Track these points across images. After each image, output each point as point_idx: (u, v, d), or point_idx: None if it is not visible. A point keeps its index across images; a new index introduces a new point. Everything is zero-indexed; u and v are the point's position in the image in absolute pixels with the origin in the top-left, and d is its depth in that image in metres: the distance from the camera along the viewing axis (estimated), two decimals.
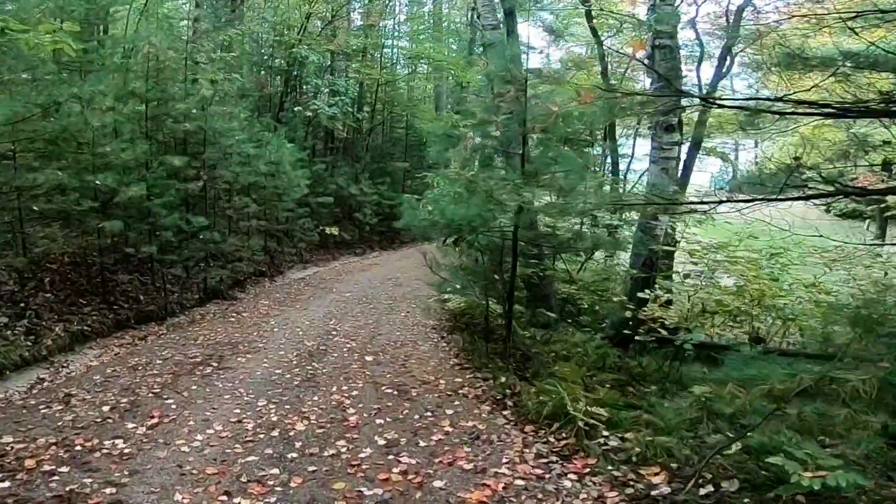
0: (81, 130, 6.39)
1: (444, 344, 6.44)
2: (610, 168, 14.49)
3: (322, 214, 13.27)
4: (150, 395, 4.87)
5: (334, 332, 7.05)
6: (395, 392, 4.93)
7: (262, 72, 15.13)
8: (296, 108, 14.44)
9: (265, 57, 14.96)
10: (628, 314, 5.60)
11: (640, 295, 5.87)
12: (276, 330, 7.23)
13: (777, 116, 3.46)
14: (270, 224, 11.15)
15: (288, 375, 5.40)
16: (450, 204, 4.97)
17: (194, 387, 5.09)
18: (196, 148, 8.56)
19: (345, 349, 6.32)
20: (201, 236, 7.88)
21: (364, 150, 16.67)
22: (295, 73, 14.67)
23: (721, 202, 3.61)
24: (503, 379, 4.86)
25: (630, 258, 6.16)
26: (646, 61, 6.10)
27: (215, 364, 5.79)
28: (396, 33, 18.43)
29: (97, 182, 6.43)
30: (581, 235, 4.69)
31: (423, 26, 20.02)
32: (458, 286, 5.74)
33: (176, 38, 9.03)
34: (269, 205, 10.81)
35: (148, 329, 7.37)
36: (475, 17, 23.53)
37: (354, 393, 4.92)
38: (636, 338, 5.73)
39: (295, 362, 5.84)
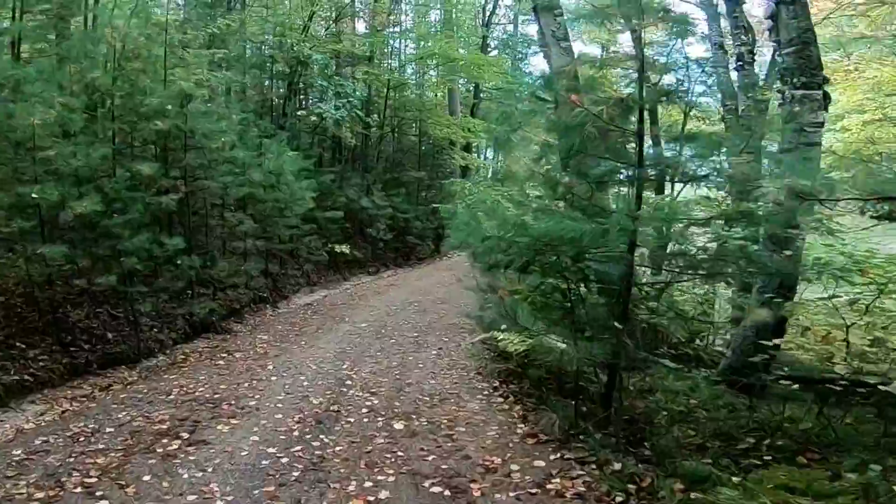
0: (15, 129, 4.84)
1: (500, 399, 4.68)
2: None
3: (331, 231, 11.63)
4: (80, 489, 3.28)
5: (349, 382, 5.34)
6: (447, 491, 3.21)
7: (263, 75, 13.68)
8: (298, 113, 12.93)
9: (266, 61, 13.50)
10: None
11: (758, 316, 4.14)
12: (273, 378, 5.55)
13: None
14: (271, 243, 9.51)
15: (285, 459, 3.71)
16: (528, 216, 3.29)
17: (147, 477, 3.46)
18: (177, 154, 6.99)
19: (364, 409, 4.61)
20: (179, 261, 6.23)
21: (375, 160, 15.10)
22: (298, 75, 13.15)
23: None
24: (616, 465, 3.13)
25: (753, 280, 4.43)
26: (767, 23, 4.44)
27: (186, 435, 4.13)
28: (405, 34, 16.92)
29: (34, 195, 4.83)
30: (749, 257, 3.03)
31: (432, 29, 18.55)
32: (521, 324, 4.04)
33: (155, 25, 7.50)
34: (269, 221, 9.19)
35: (115, 375, 5.79)
36: (487, 17, 22.18)
37: (384, 495, 3.21)
38: (774, 381, 4.01)
39: (296, 434, 4.15)
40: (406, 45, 17.63)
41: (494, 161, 28.56)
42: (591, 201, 3.03)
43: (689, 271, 3.05)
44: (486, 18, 21.23)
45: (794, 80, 4.03)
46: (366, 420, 4.36)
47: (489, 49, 22.07)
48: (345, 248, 11.46)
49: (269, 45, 13.14)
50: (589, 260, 3.14)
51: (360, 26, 17.34)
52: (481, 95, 22.90)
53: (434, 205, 15.59)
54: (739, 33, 7.53)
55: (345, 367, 5.87)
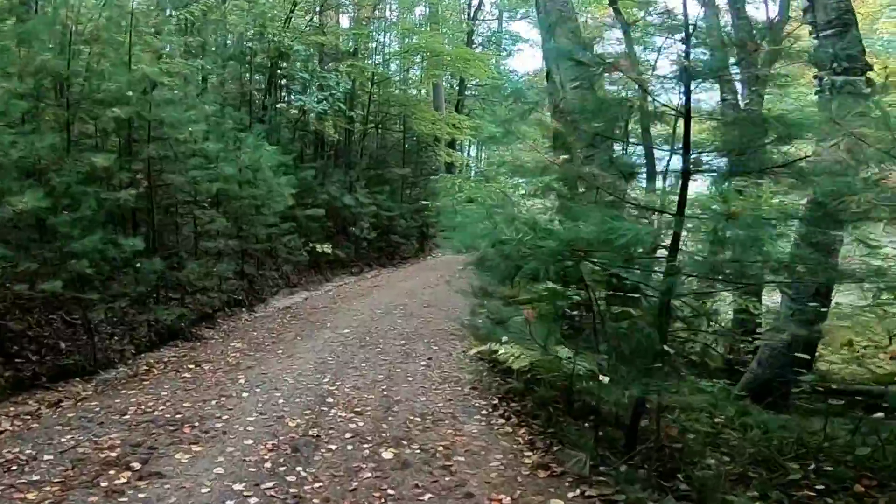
0: None
1: (502, 420, 4.13)
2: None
3: (311, 229, 10.98)
4: None
5: (330, 400, 4.74)
6: None
7: (243, 68, 12.94)
8: (278, 106, 12.24)
9: (246, 52, 12.74)
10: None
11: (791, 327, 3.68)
12: (245, 395, 4.93)
13: None
14: (247, 243, 8.85)
15: (253, 500, 3.12)
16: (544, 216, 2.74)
17: None
18: (139, 146, 6.31)
19: (348, 433, 4.02)
20: (138, 264, 5.56)
21: (359, 156, 14.46)
22: (279, 67, 12.42)
23: None
24: None
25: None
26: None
27: (137, 466, 3.53)
28: (390, 27, 16.28)
29: None
30: (807, 261, 2.52)
31: (417, 23, 17.93)
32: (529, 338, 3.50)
33: (119, 7, 6.80)
34: (245, 219, 8.53)
35: (66, 389, 5.11)
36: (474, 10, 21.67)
37: None
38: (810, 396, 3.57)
39: (268, 465, 3.55)
40: (391, 41, 17.03)
41: (479, 158, 28.17)
42: (623, 197, 2.51)
43: (742, 280, 2.54)
44: (472, 13, 20.71)
45: (834, 65, 3.57)
46: (350, 447, 3.79)
47: (474, 45, 21.53)
48: (326, 248, 10.84)
49: (249, 38, 12.40)
50: (621, 267, 2.62)
51: (345, 22, 16.69)
52: (466, 92, 22.41)
53: (423, 202, 15.04)
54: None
55: (326, 380, 5.28)
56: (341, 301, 9.53)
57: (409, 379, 5.27)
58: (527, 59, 43.97)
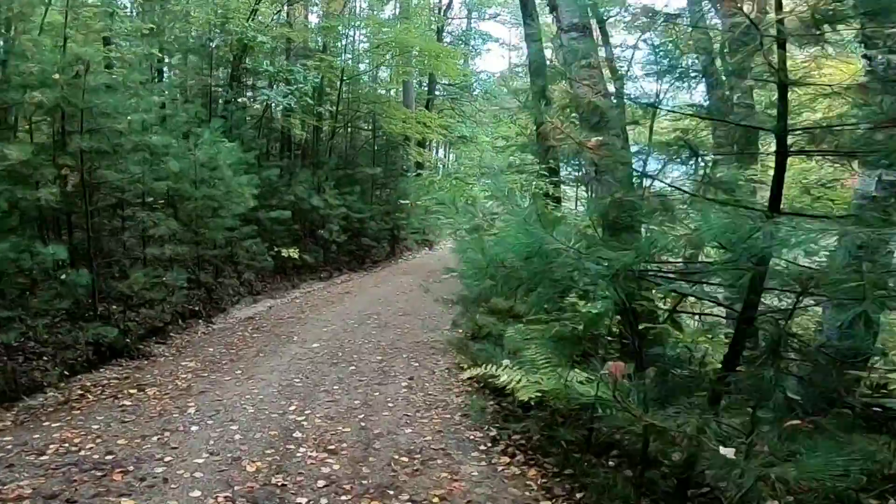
0: None
1: (505, 458, 3.42)
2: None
3: (276, 233, 10.10)
4: None
5: (298, 435, 3.96)
6: None
7: (203, 62, 11.92)
8: (240, 100, 11.28)
9: (207, 44, 11.71)
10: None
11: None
12: (194, 428, 4.11)
13: None
14: (203, 248, 7.94)
15: None
16: None
17: None
18: (72, 139, 5.37)
19: (320, 481, 3.26)
20: (63, 276, 4.65)
21: (327, 155, 13.59)
22: (242, 60, 11.45)
23: None
24: None
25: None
26: None
27: None
28: (360, 21, 15.43)
29: None
30: None
31: (388, 18, 17.15)
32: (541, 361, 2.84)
33: None
34: (201, 222, 7.62)
35: None
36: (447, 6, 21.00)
37: None
38: None
39: None
40: (360, 39, 16.19)
41: (448, 159, 27.54)
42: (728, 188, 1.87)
43: (838, 293, 1.94)
44: (443, 10, 20.07)
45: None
46: (323, 501, 3.03)
47: (444, 43, 20.90)
48: (293, 252, 9.97)
49: (211, 28, 11.38)
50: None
51: (314, 21, 15.77)
52: (436, 91, 21.74)
53: (402, 201, 14.29)
54: None
55: (292, 408, 4.49)
56: (310, 310, 8.69)
57: (390, 405, 4.53)
58: (494, 60, 43.64)
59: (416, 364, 5.64)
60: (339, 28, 14.32)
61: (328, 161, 13.13)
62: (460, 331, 6.24)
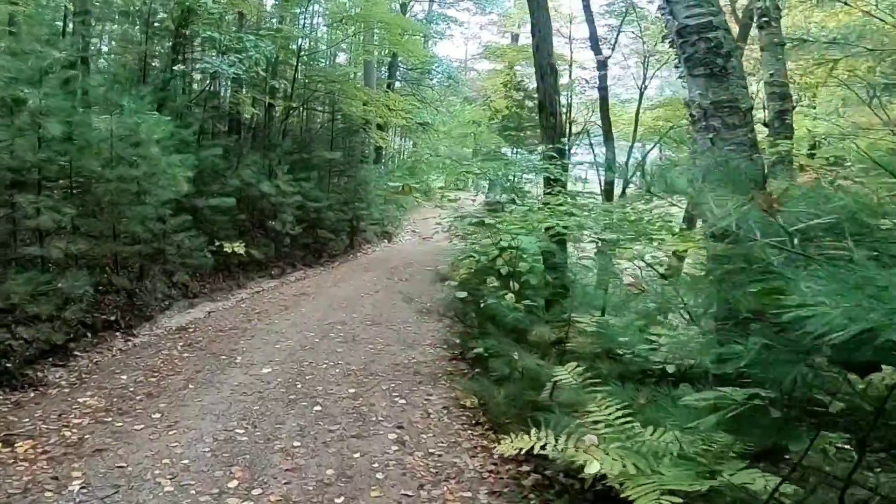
0: None
1: None
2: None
3: (218, 224, 8.36)
4: None
5: None
6: None
7: (136, 26, 9.87)
8: (176, 67, 9.37)
9: (143, 12, 9.66)
10: None
11: None
12: None
13: None
14: (120, 244, 6.19)
15: None
16: None
17: None
18: None
19: None
20: None
21: (280, 136, 11.78)
22: (186, 26, 9.49)
23: None
24: None
25: None
26: None
27: None
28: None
29: None
30: None
31: None
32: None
33: None
34: (116, 210, 5.87)
35: None
36: None
37: None
38: None
39: None
40: (320, 13, 14.34)
41: (403, 147, 25.97)
42: None
43: None
44: None
45: None
46: None
47: (403, 34, 19.28)
48: (238, 247, 8.27)
49: None
50: None
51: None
52: (397, 76, 20.11)
53: (391, 183, 12.69)
54: None
55: (232, 485, 3.00)
56: (258, 317, 7.06)
57: (379, 476, 3.10)
58: (451, 48, 42.18)
59: (403, 401, 4.22)
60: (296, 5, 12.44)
61: (281, 143, 11.34)
62: (455, 353, 4.88)
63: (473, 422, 3.72)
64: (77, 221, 5.37)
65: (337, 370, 4.93)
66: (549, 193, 5.14)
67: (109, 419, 4.00)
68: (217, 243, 8.35)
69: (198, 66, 9.91)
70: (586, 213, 3.17)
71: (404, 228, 19.20)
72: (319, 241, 12.21)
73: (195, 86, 10.82)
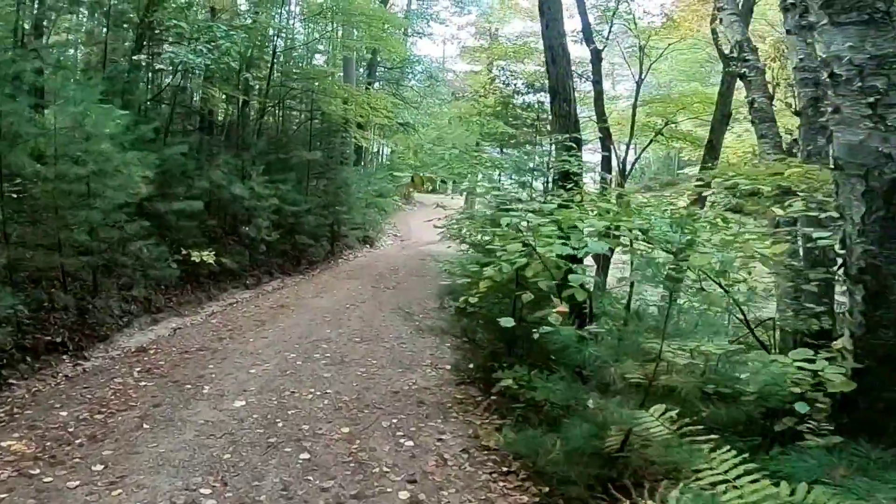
0: None
1: None
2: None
3: (185, 230, 7.44)
4: None
5: None
6: None
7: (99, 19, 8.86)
8: (136, 57, 8.41)
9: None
10: None
11: None
12: None
13: None
14: (66, 254, 5.24)
15: None
16: None
17: None
18: None
19: None
20: None
21: (255, 135, 10.85)
22: (152, 14, 8.51)
23: None
24: None
25: None
26: None
27: None
28: None
29: None
30: None
31: None
32: None
33: None
34: (59, 216, 4.93)
35: None
36: None
37: None
38: None
39: None
40: (296, 11, 13.45)
41: (381, 148, 25.10)
42: None
43: None
44: None
45: None
46: None
47: (387, 28, 18.52)
48: (208, 256, 7.35)
49: None
50: None
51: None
52: (377, 74, 19.30)
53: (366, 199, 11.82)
54: None
55: None
56: (230, 335, 6.16)
57: None
58: (429, 48, 41.43)
59: (410, 442, 3.41)
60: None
61: (256, 143, 10.41)
62: (463, 377, 4.11)
63: (504, 469, 2.95)
64: (8, 229, 4.43)
65: (325, 402, 4.10)
66: (563, 188, 4.44)
67: (37, 471, 3.12)
68: (184, 252, 7.42)
69: (163, 55, 8.95)
70: (650, 211, 2.46)
71: (386, 233, 18.36)
72: (298, 248, 11.31)
73: (167, 81, 9.85)
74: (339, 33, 13.51)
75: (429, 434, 3.49)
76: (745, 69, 5.76)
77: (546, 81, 14.02)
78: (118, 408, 4.16)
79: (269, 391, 4.35)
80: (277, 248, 10.22)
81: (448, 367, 4.79)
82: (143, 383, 4.70)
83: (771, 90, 6.57)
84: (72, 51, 9.49)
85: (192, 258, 7.24)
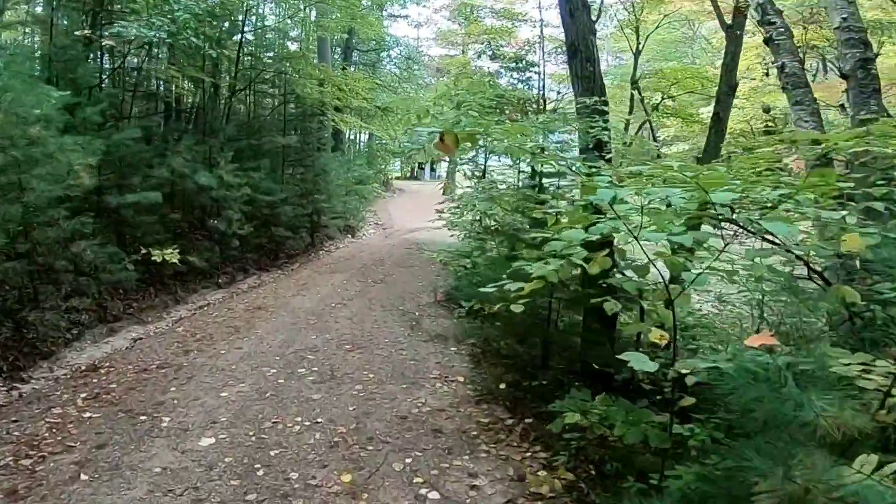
0: None
1: None
2: None
3: (143, 227, 6.44)
4: None
5: None
6: None
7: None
8: (78, 33, 7.26)
9: None
10: None
11: None
12: None
13: None
14: None
15: None
16: None
17: None
18: None
19: None
20: None
21: (224, 119, 9.76)
22: None
23: None
24: None
25: None
26: None
27: None
28: None
29: None
30: None
31: None
32: None
33: None
34: None
35: None
36: None
37: None
38: None
39: None
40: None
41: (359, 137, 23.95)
42: None
43: None
44: None
45: None
46: None
47: (362, 7, 17.35)
48: (171, 254, 6.36)
49: None
50: None
51: None
52: (353, 57, 18.16)
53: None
54: None
55: None
56: (198, 347, 5.23)
57: None
58: (404, 28, 39.95)
59: (434, 493, 2.56)
60: None
61: (224, 128, 9.34)
62: (481, 391, 3.30)
63: None
64: None
65: (317, 435, 3.25)
66: (601, 157, 3.65)
67: None
68: (144, 250, 6.43)
69: (112, 30, 7.80)
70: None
71: (367, 221, 17.40)
72: (275, 241, 10.33)
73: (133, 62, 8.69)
74: (313, 15, 12.38)
75: (457, 479, 2.69)
76: (771, 32, 5.07)
77: (534, 56, 13.15)
78: (52, 449, 3.26)
79: (244, 422, 3.48)
80: (252, 241, 9.24)
81: (461, 378, 3.99)
82: (89, 414, 3.78)
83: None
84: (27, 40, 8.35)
85: (154, 257, 6.25)
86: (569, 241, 1.99)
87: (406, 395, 3.78)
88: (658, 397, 2.50)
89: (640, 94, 9.28)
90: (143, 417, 3.66)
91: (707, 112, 8.47)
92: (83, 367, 4.88)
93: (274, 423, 3.44)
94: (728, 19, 7.80)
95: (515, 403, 3.28)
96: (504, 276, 2.17)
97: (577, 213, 2.07)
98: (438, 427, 3.25)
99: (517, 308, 2.06)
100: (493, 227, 4.10)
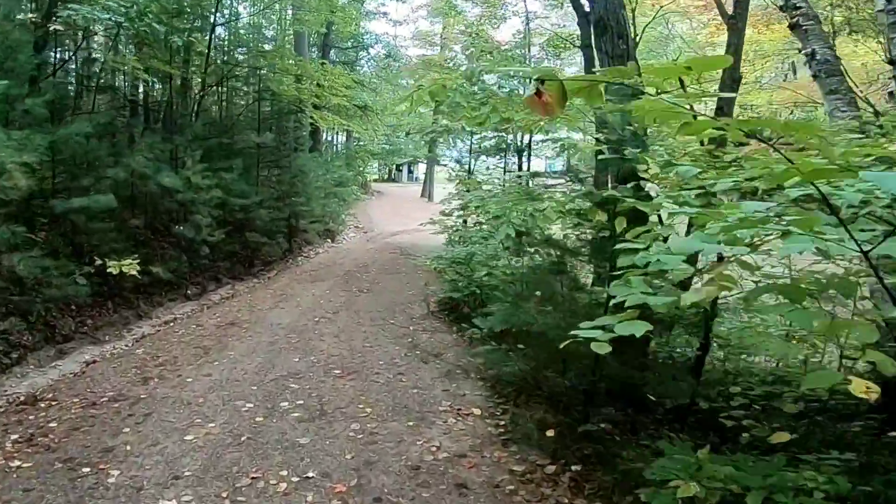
0: None
1: None
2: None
3: (98, 234, 5.60)
4: None
5: None
6: None
7: None
8: (21, 16, 6.39)
9: None
10: None
11: None
12: None
13: None
14: None
15: None
16: None
17: None
18: None
19: None
20: None
21: (193, 117, 8.90)
22: None
23: None
24: None
25: None
26: None
27: None
28: None
29: None
30: None
31: None
32: None
33: None
34: None
35: None
36: None
37: None
38: None
39: None
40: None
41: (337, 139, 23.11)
42: None
43: None
44: None
45: None
46: None
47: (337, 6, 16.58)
48: (129, 265, 5.53)
49: None
50: None
51: None
52: (331, 55, 17.36)
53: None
54: None
55: None
56: (160, 373, 4.45)
57: None
58: (383, 27, 39.16)
59: None
60: None
61: (192, 125, 8.49)
62: (503, 425, 2.67)
63: None
64: None
65: (309, 496, 2.55)
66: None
67: None
68: (100, 261, 5.58)
69: (62, 15, 6.91)
70: None
71: (347, 225, 16.60)
72: (250, 247, 9.50)
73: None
74: (290, 12, 11.60)
75: None
76: (798, 17, 4.61)
77: (525, 51, 12.58)
78: None
79: (214, 477, 2.75)
80: (224, 248, 8.41)
81: (476, 411, 3.34)
82: (17, 462, 3.01)
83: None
84: None
85: (109, 269, 5.41)
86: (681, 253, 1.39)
87: (414, 435, 3.10)
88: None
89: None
90: (85, 470, 2.90)
91: (710, 107, 8.03)
92: (21, 398, 4.08)
93: (253, 479, 2.72)
94: (729, 10, 7.39)
95: (554, 445, 2.65)
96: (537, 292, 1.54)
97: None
98: (462, 480, 2.60)
99: (602, 348, 1.44)
100: (528, 234, 3.42)
